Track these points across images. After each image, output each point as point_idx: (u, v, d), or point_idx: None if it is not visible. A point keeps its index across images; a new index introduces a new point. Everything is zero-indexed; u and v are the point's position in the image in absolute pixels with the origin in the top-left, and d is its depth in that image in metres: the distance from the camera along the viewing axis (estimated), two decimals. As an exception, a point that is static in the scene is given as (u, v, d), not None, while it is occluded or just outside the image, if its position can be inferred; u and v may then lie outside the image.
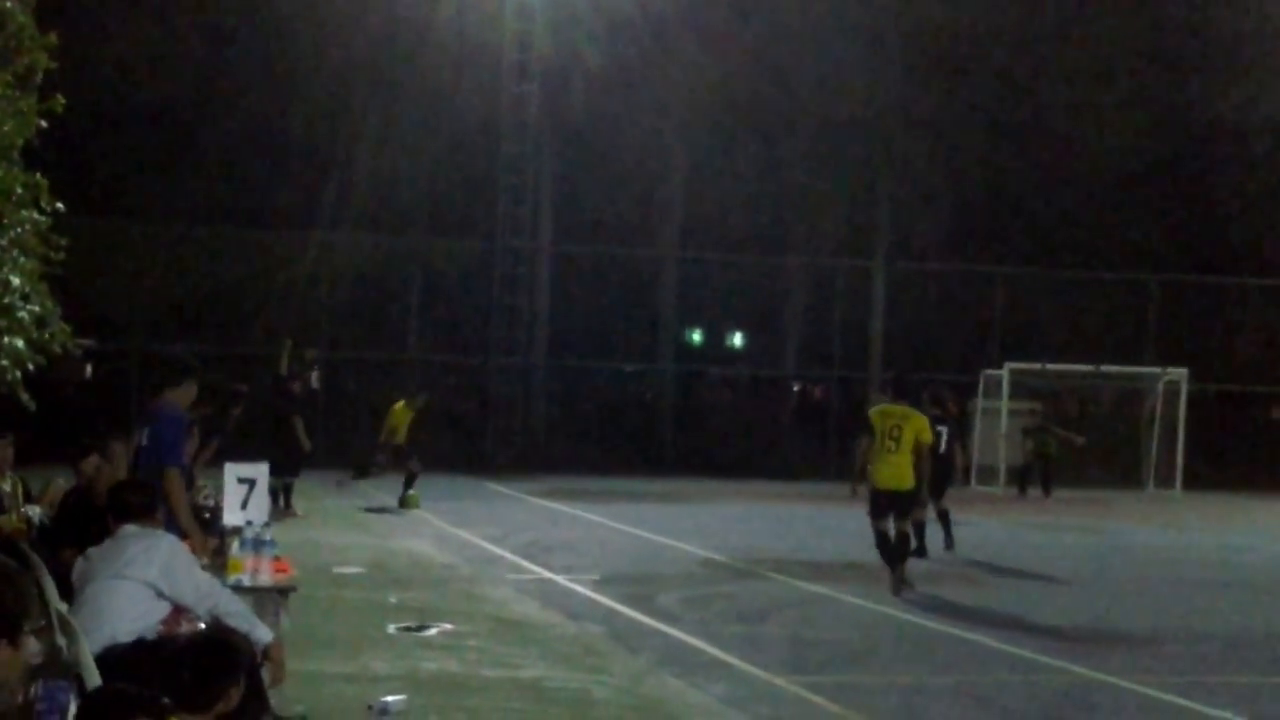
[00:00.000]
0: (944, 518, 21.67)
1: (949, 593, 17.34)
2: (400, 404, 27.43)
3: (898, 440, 17.24)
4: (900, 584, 16.98)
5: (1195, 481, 37.80)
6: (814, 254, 46.03)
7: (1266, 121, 45.02)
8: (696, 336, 49.98)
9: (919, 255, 45.42)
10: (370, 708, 10.04)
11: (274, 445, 23.80)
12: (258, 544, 9.79)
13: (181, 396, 11.74)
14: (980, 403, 39.07)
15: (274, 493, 18.02)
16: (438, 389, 38.72)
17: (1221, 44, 45.97)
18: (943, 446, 21.49)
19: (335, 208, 42.34)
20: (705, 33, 43.52)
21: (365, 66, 41.79)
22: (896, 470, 17.26)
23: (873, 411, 18.02)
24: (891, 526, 17.35)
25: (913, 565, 18.32)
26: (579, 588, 16.82)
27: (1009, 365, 38.41)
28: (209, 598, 8.29)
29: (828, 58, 43.37)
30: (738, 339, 51.62)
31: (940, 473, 21.40)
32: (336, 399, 39.11)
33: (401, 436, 27.15)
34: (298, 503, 24.34)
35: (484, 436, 41.24)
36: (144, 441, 11.34)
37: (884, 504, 17.35)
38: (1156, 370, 39.78)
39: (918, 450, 17.32)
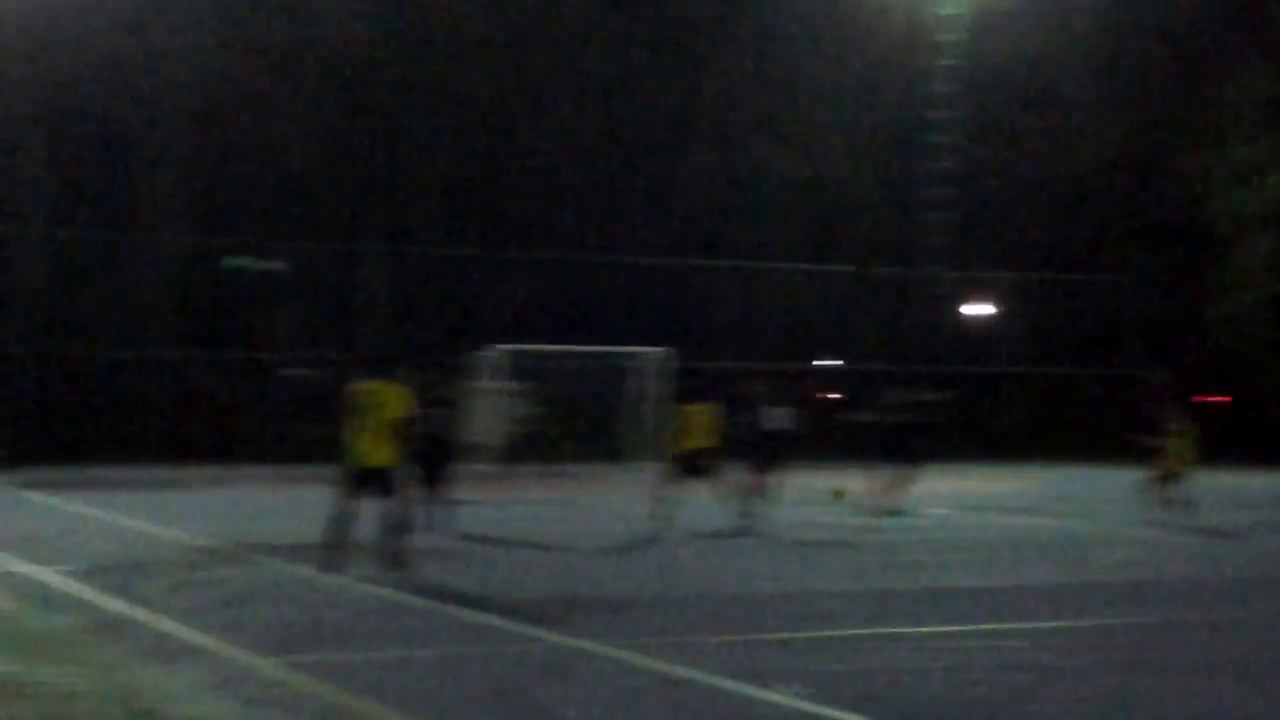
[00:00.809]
0: (446, 502, 21.98)
1: (433, 569, 17.62)
2: None
3: (376, 418, 17.34)
4: (397, 563, 17.18)
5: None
6: (311, 237, 45.86)
7: (743, 110, 47.12)
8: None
9: (411, 239, 45.79)
10: None
11: None
12: None
13: None
14: (473, 383, 39.61)
15: None
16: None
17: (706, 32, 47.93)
18: (443, 431, 21.86)
19: None
20: (192, 16, 42.93)
21: None
22: (376, 448, 17.37)
23: (351, 389, 17.82)
24: (358, 505, 17.42)
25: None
26: (58, 579, 16.41)
27: (498, 348, 39.04)
28: None
29: (324, 32, 43.33)
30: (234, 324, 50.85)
31: (440, 457, 21.72)
32: None
33: None
34: None
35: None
36: None
37: (361, 482, 17.43)
38: (641, 350, 41.09)
39: (395, 427, 17.47)
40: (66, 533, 21.56)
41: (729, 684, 11.14)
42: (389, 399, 17.46)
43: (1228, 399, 49.82)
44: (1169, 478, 26.56)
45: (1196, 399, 48.26)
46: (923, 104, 45.88)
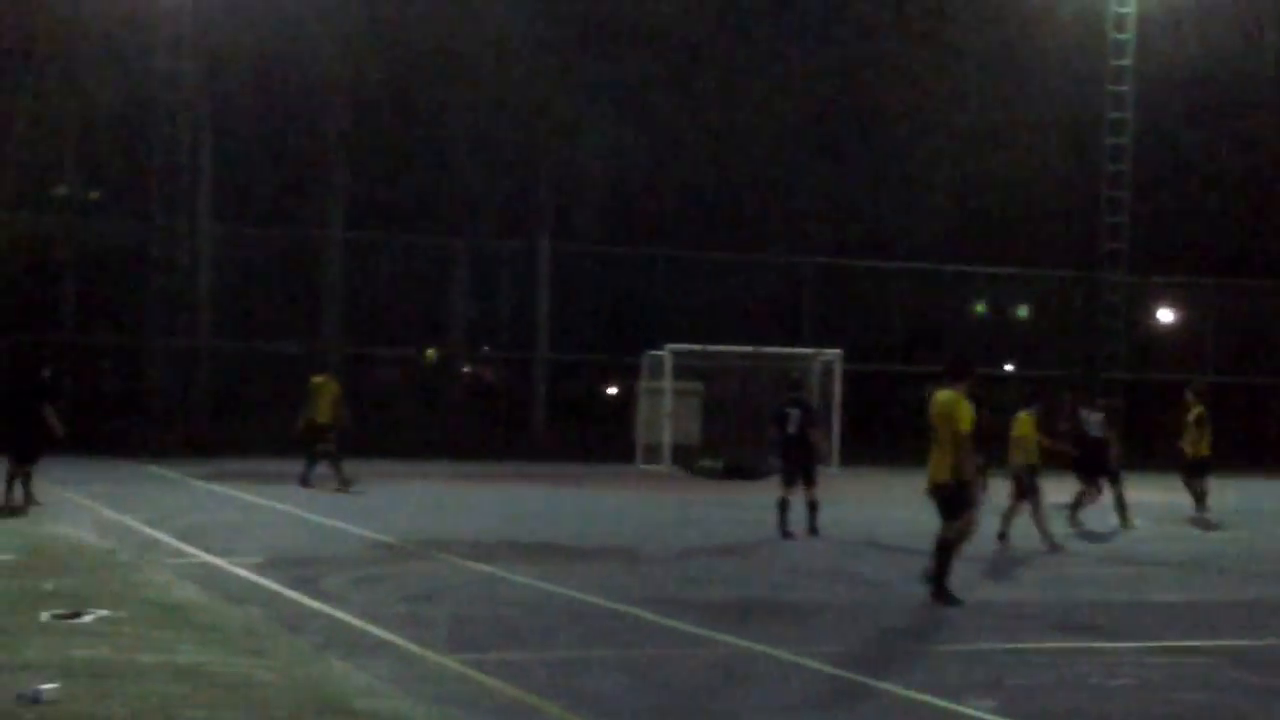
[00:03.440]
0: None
1: (605, 569, 17.59)
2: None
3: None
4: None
5: (851, 458, 38.94)
6: (477, 234, 46.16)
7: (917, 110, 46.61)
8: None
9: (581, 236, 45.90)
10: (20, 696, 9.75)
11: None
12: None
13: None
14: (644, 383, 39.68)
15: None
16: (91, 371, 38.00)
17: (883, 34, 47.46)
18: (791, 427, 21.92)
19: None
20: (358, 11, 43.35)
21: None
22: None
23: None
24: None
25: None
26: (241, 571, 16.57)
27: (670, 347, 38.96)
28: None
29: (486, 33, 43.47)
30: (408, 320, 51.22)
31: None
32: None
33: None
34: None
35: (142, 418, 40.29)
36: None
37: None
38: (811, 351, 40.84)
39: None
40: (245, 525, 21.83)
41: (914, 694, 10.94)
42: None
43: None
44: None
45: None
46: (1099, 105, 44.97)
